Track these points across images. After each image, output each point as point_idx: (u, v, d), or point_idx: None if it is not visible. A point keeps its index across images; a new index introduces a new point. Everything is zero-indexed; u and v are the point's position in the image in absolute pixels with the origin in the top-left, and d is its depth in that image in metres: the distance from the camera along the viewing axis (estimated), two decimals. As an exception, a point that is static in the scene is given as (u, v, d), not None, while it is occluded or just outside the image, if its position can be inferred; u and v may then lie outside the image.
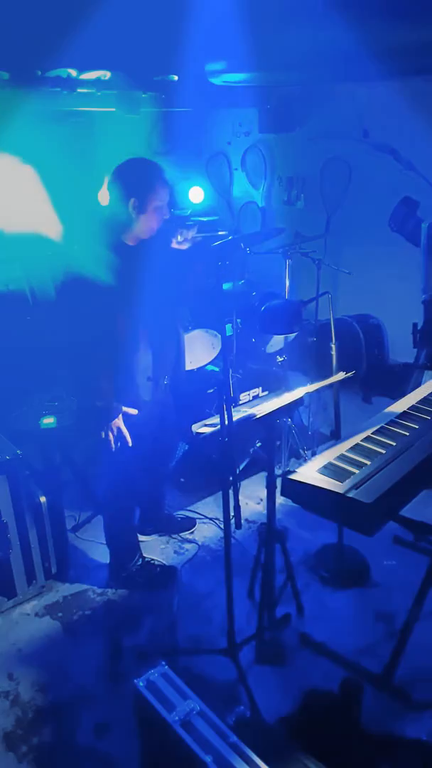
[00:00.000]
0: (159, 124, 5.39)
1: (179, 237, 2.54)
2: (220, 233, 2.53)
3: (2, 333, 3.88)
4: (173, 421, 2.99)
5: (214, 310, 3.61)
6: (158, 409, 2.72)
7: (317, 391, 2.36)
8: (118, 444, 2.53)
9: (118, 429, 2.52)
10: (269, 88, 4.51)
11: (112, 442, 2.52)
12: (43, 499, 2.76)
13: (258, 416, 2.09)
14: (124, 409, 2.53)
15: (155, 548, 3.19)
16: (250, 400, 3.81)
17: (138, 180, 2.42)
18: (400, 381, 4.14)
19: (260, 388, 3.88)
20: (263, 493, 3.15)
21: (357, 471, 1.99)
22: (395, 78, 3.68)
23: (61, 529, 2.93)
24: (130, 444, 2.56)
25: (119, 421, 2.51)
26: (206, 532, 3.33)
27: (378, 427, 2.33)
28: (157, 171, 2.46)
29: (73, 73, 3.55)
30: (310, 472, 2.00)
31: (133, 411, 2.56)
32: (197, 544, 3.23)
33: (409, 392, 2.75)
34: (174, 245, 2.58)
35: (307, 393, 2.22)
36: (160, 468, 3.18)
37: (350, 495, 1.85)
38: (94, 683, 2.41)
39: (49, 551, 2.86)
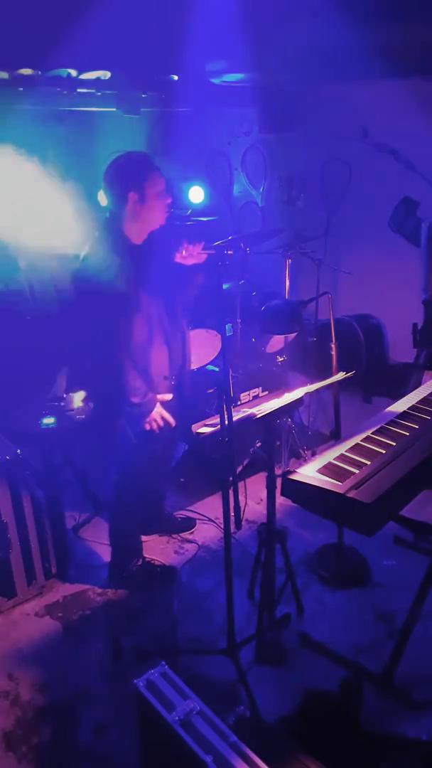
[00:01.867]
0: (159, 124, 5.38)
1: (183, 252, 2.53)
2: (221, 244, 2.47)
3: (2, 333, 3.87)
4: (177, 420, 2.99)
5: (214, 309, 3.60)
6: (165, 408, 2.73)
7: (317, 391, 2.36)
8: (163, 428, 2.60)
9: (161, 416, 2.58)
10: (269, 87, 4.51)
11: (156, 429, 2.58)
12: (43, 499, 2.76)
13: (258, 416, 2.09)
14: (159, 397, 2.58)
15: (155, 548, 3.19)
16: (250, 400, 3.81)
17: (131, 173, 2.44)
18: (400, 381, 4.14)
19: (260, 388, 3.88)
20: (263, 493, 3.16)
21: (357, 471, 1.99)
22: (395, 78, 3.67)
23: (61, 529, 2.93)
24: (173, 424, 2.63)
25: (160, 409, 2.58)
26: (206, 532, 3.33)
27: (378, 427, 2.33)
28: (145, 159, 2.49)
29: (73, 73, 3.55)
30: (310, 472, 2.00)
31: (168, 396, 2.62)
32: (197, 544, 3.23)
33: (409, 392, 2.75)
34: (178, 259, 2.57)
35: (307, 393, 2.22)
36: (162, 468, 3.18)
37: (350, 495, 1.84)
38: (94, 683, 2.41)
39: (49, 551, 2.86)
